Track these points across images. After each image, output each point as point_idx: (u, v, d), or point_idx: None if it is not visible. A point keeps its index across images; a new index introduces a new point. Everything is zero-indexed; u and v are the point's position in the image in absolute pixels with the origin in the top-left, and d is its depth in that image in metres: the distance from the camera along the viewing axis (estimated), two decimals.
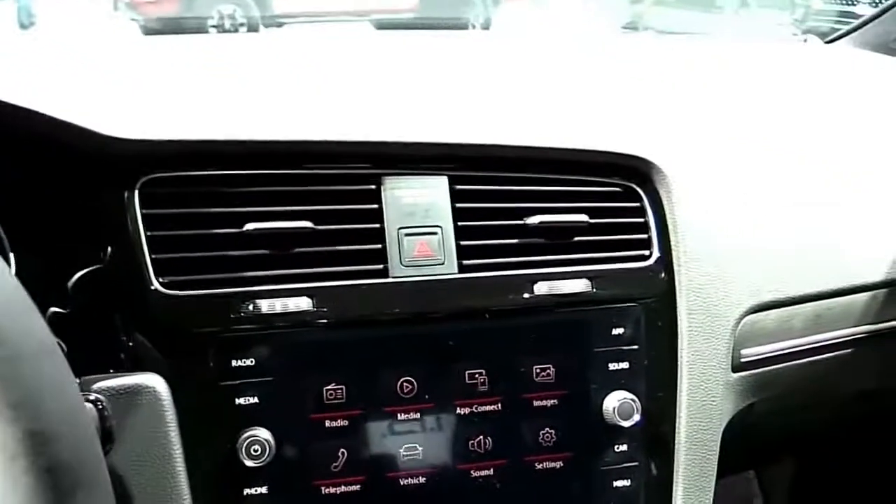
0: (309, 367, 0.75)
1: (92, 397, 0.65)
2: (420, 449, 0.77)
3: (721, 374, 0.87)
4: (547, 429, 0.80)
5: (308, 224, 0.75)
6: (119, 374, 0.69)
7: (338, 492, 0.75)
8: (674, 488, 0.85)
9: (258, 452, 0.71)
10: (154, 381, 0.69)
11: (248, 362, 0.73)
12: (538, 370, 0.80)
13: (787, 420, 1.11)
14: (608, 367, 0.82)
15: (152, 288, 0.71)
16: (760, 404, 0.96)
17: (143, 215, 0.72)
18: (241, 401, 0.73)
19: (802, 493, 1.68)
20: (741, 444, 0.95)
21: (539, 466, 0.80)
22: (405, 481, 0.77)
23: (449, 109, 0.90)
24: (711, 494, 0.87)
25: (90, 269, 0.73)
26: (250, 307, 0.73)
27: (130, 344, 0.71)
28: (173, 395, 0.70)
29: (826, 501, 1.67)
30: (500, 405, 0.79)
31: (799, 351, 0.94)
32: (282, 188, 0.76)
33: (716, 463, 0.87)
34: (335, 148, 0.78)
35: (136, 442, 0.68)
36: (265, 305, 0.73)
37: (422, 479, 0.77)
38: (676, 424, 0.85)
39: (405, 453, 0.77)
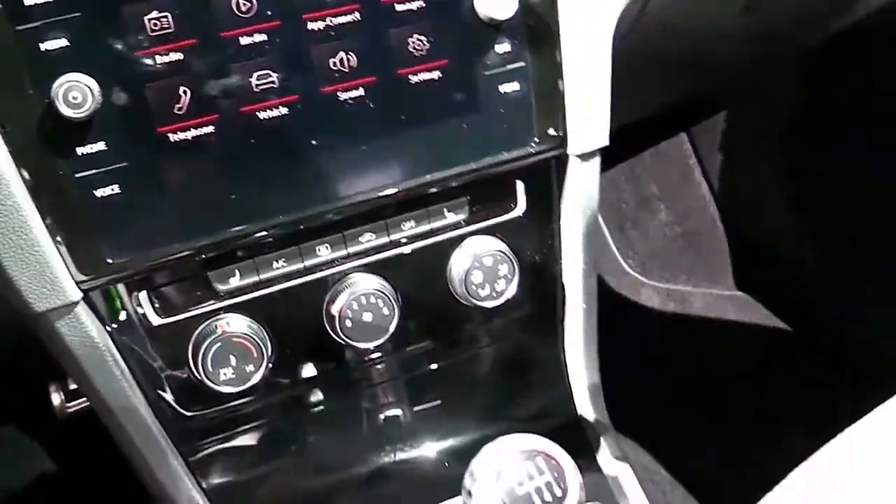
0: None
1: None
2: (275, 76, 0.68)
3: None
4: (416, 36, 0.71)
5: None
6: None
7: (189, 136, 0.67)
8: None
9: (79, 100, 0.61)
10: None
11: None
12: None
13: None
14: None
15: None
16: None
17: None
18: (46, 46, 0.62)
19: (734, 147, 1.67)
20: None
21: (415, 80, 0.72)
22: (265, 114, 0.68)
23: None
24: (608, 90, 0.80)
25: None
26: None
27: None
28: None
29: (754, 151, 1.66)
30: (358, 14, 0.69)
31: None
32: None
33: (609, 56, 0.79)
34: None
35: None
36: None
37: (284, 110, 0.69)
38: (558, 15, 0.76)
39: (258, 83, 0.68)
